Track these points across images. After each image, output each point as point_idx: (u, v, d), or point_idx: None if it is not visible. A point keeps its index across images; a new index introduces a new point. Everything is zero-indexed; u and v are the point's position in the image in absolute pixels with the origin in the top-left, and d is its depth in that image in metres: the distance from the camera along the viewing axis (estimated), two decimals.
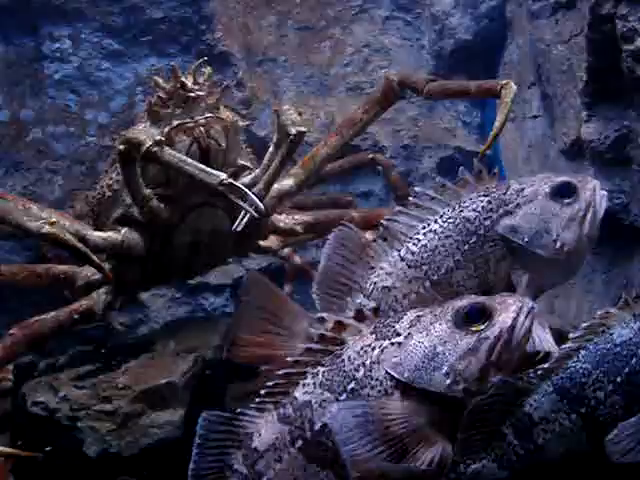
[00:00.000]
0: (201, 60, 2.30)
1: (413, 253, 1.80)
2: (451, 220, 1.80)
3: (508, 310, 1.48)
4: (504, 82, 2.09)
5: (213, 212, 2.23)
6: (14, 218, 2.02)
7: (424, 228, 1.82)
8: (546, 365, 1.60)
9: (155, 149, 1.98)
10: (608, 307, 1.67)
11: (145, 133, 2.02)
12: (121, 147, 2.03)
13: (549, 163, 3.04)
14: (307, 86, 3.70)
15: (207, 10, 3.53)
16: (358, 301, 1.79)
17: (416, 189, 1.87)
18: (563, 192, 1.80)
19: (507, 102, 2.03)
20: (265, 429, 1.54)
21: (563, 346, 1.63)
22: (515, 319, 1.47)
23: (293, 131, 2.15)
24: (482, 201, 1.82)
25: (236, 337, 1.76)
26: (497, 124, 1.93)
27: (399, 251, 1.81)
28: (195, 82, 2.24)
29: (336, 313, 1.76)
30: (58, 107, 3.39)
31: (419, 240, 1.81)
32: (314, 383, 1.51)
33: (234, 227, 2.17)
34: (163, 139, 2.01)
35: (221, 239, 2.31)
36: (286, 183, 2.36)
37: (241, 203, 2.00)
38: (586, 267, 2.67)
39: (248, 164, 2.33)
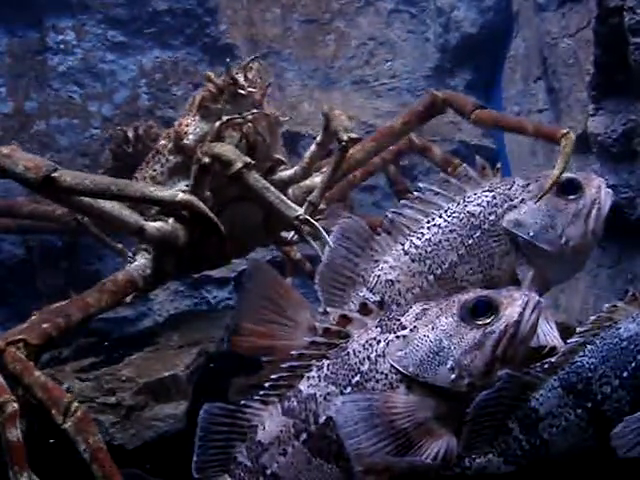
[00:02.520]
0: (253, 57, 2.31)
1: (417, 247, 1.80)
2: (455, 215, 1.80)
3: (514, 304, 1.48)
4: (565, 131, 2.00)
5: (249, 205, 2.24)
6: (138, 190, 1.98)
7: (428, 222, 1.81)
8: (552, 359, 1.59)
9: (244, 171, 1.98)
10: (615, 301, 1.66)
11: (234, 152, 2.02)
12: (206, 160, 2.04)
13: (555, 157, 3.01)
14: (312, 79, 3.69)
15: (211, 2, 3.52)
16: (361, 294, 1.79)
17: (420, 185, 1.86)
18: (568, 189, 1.80)
19: (566, 153, 1.92)
20: (269, 422, 1.54)
21: (569, 340, 1.62)
22: (521, 313, 1.47)
23: (345, 137, 2.16)
24: (487, 196, 1.82)
25: (238, 326, 1.75)
26: (555, 173, 1.84)
27: (403, 245, 1.81)
28: (246, 78, 2.24)
29: (339, 306, 1.76)
30: (62, 99, 3.39)
31: (423, 234, 1.80)
32: (319, 376, 1.51)
33: (289, 238, 2.21)
34: (252, 162, 2.01)
35: (253, 230, 2.33)
36: (317, 181, 2.35)
37: (311, 242, 1.97)
38: (592, 262, 2.66)
39: (283, 158, 2.35)
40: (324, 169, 2.31)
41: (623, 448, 1.52)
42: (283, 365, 1.55)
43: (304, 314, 1.72)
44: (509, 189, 1.83)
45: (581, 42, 2.73)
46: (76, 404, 1.75)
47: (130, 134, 2.83)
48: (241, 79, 2.23)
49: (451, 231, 1.79)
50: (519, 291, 1.53)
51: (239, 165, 1.98)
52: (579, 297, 2.82)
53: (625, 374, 1.56)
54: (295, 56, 3.70)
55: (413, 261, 1.79)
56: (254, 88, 2.25)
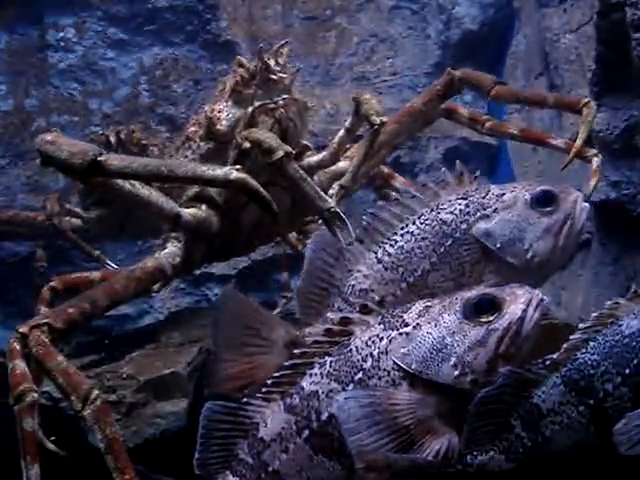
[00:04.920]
0: (283, 42, 2.31)
1: (390, 255, 1.77)
2: (428, 222, 1.77)
3: (517, 301, 1.48)
4: (586, 100, 2.02)
5: (277, 191, 2.23)
6: (189, 170, 1.88)
7: (402, 229, 1.79)
8: (554, 356, 1.59)
9: (285, 160, 1.97)
10: (617, 298, 1.65)
11: (276, 140, 2.00)
12: (247, 145, 2.03)
13: (556, 153, 3.01)
14: (313, 76, 3.69)
15: None
16: (337, 305, 1.77)
17: (399, 187, 1.85)
18: (543, 201, 1.76)
19: (589, 121, 1.96)
20: (271, 419, 1.53)
21: (572, 337, 1.61)
22: (525, 310, 1.47)
23: (377, 121, 2.15)
24: (460, 204, 1.78)
25: (215, 369, 1.74)
26: (578, 143, 1.86)
27: (376, 253, 1.79)
28: (277, 63, 2.25)
29: (314, 318, 1.76)
30: (62, 96, 3.39)
31: (396, 241, 1.78)
32: (321, 373, 1.51)
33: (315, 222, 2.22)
34: (293, 151, 2.00)
35: (280, 217, 2.32)
36: (342, 165, 2.35)
37: (338, 233, 1.92)
38: (593, 259, 2.66)
39: (309, 144, 2.35)
40: (347, 154, 2.31)
41: (625, 445, 1.51)
42: (286, 363, 1.55)
43: (278, 332, 1.72)
44: (483, 198, 1.79)
45: (583, 38, 2.73)
46: (96, 392, 1.70)
47: (112, 139, 2.82)
48: (273, 64, 2.23)
49: (423, 239, 1.77)
50: (522, 288, 1.52)
51: (281, 154, 1.96)
52: (580, 294, 2.82)
53: (627, 371, 1.55)
54: (296, 53, 3.68)
55: (386, 269, 1.77)
56: (285, 73, 2.25)
